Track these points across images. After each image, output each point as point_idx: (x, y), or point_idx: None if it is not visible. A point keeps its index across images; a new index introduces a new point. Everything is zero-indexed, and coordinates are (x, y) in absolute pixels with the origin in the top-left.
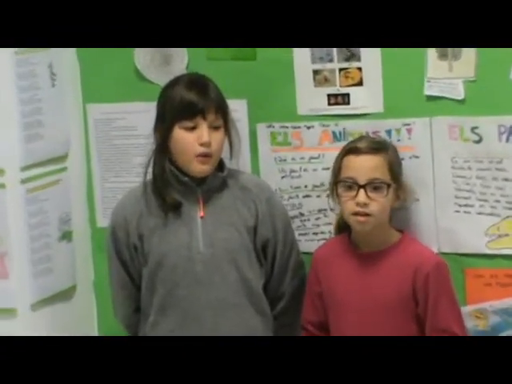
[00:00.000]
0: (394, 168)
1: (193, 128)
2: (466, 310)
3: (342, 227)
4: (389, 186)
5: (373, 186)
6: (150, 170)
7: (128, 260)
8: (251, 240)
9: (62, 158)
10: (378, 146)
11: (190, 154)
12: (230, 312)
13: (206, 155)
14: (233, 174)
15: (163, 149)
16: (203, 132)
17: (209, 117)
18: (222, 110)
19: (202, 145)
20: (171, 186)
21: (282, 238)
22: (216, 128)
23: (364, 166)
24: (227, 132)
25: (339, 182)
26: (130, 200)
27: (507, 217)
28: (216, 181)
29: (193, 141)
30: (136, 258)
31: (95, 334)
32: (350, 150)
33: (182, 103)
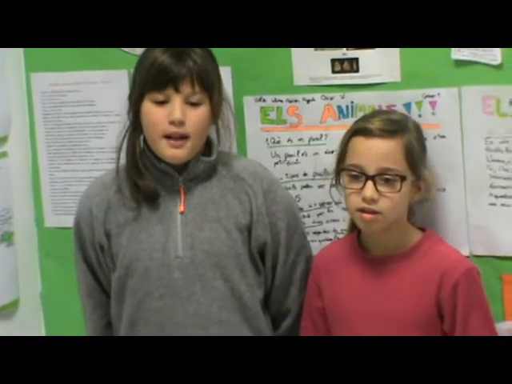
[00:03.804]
0: (414, 155)
1: (163, 102)
2: (503, 326)
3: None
4: (404, 178)
5: (384, 177)
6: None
7: (94, 263)
8: (244, 242)
9: (1, 141)
10: (395, 128)
11: (158, 133)
12: (215, 330)
13: (178, 137)
14: (224, 160)
15: (134, 127)
16: (175, 107)
17: (184, 89)
18: (204, 81)
19: (171, 123)
20: (148, 172)
21: (286, 242)
22: (194, 104)
23: (374, 153)
24: (215, 111)
25: (343, 169)
26: (96, 188)
27: None
28: (201, 167)
29: (162, 117)
30: (103, 260)
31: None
32: (359, 130)
33: (152, 70)
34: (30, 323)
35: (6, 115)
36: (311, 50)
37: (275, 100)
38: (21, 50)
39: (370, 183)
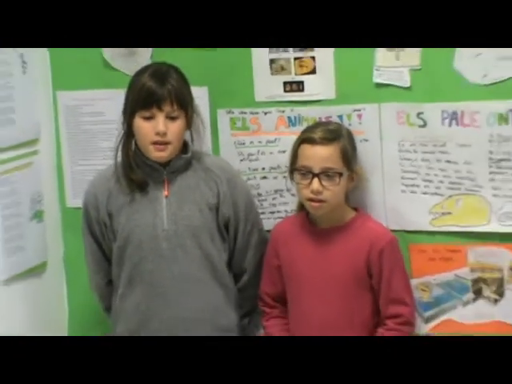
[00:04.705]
0: (348, 155)
1: (150, 117)
2: (411, 282)
3: (303, 206)
4: (341, 174)
5: (326, 174)
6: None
7: (99, 236)
8: (213, 218)
9: (34, 142)
10: (332, 136)
11: (147, 141)
12: (194, 285)
13: (162, 143)
14: (197, 156)
15: (128, 134)
16: (158, 122)
17: (165, 107)
18: (181, 101)
19: (157, 134)
20: (138, 167)
21: (244, 217)
22: (173, 118)
23: (318, 156)
24: (188, 120)
25: (295, 170)
26: (100, 180)
27: (450, 196)
28: (180, 162)
29: (149, 130)
30: (106, 234)
31: (65, 307)
32: (305, 139)
33: (140, 93)
34: (54, 280)
35: (36, 123)
36: (268, 74)
37: (241, 112)
38: (49, 72)
39: (316, 179)
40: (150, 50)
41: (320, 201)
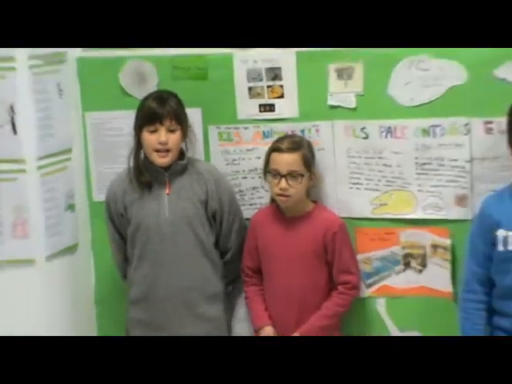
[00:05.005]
0: (308, 161)
1: (154, 131)
2: (357, 257)
3: (274, 199)
4: (303, 175)
5: (291, 175)
6: (132, 159)
7: (117, 223)
8: (203, 210)
9: (68, 151)
10: (296, 146)
11: (152, 149)
12: (188, 261)
13: (163, 150)
14: (191, 162)
15: (137, 145)
16: (160, 134)
17: (166, 123)
18: (179, 118)
19: (160, 143)
20: (146, 171)
21: (227, 209)
22: (172, 131)
23: (285, 162)
24: (184, 133)
25: (268, 172)
26: (117, 181)
27: (386, 191)
28: (178, 167)
29: (154, 140)
30: (122, 222)
31: (92, 278)
32: (275, 148)
33: (146, 113)
34: (84, 257)
35: (69, 136)
36: (247, 98)
37: (226, 128)
38: (79, 97)
39: (283, 179)
40: (156, 80)
41: (286, 196)
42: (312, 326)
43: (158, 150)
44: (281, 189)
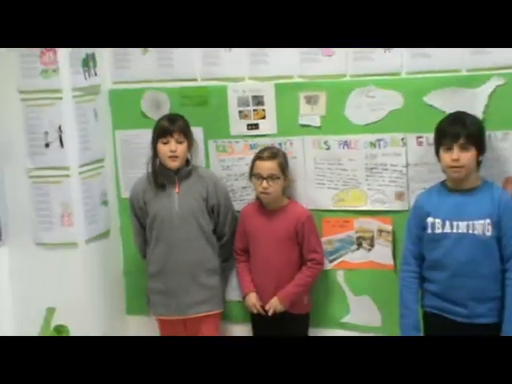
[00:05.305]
0: (283, 167)
1: (166, 142)
2: (322, 240)
3: (258, 197)
4: (279, 178)
5: (271, 177)
6: (150, 166)
7: (139, 216)
8: (205, 205)
9: (101, 161)
10: (274, 155)
11: (165, 156)
12: (193, 244)
13: (173, 157)
14: (195, 168)
15: (154, 155)
16: (171, 145)
17: (175, 136)
18: (185, 133)
19: (171, 151)
20: (161, 175)
21: (223, 204)
22: (180, 142)
23: (266, 167)
24: (189, 145)
25: (253, 175)
26: (139, 183)
27: (343, 190)
28: (185, 171)
29: (167, 150)
30: (143, 214)
31: (121, 257)
32: (258, 157)
33: (161, 129)
34: (115, 240)
35: (103, 149)
36: (238, 119)
37: (222, 142)
38: (110, 119)
39: (264, 181)
40: (168, 106)
41: (267, 193)
42: (287, 291)
43: (169, 157)
44: (263, 188)
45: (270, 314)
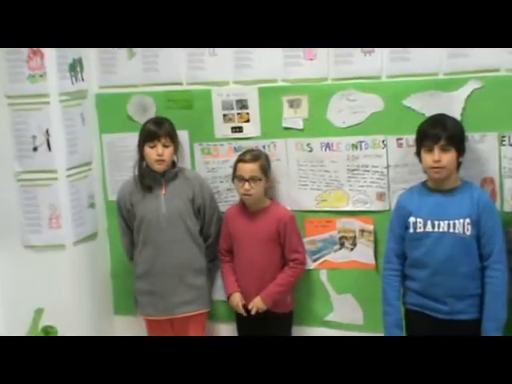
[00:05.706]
0: (265, 169)
1: (153, 146)
2: (305, 240)
3: (241, 198)
4: (261, 179)
5: (253, 179)
6: (137, 169)
7: (126, 218)
8: (191, 206)
9: (88, 164)
10: (255, 158)
11: (152, 160)
12: (180, 245)
13: (160, 160)
14: (181, 170)
15: (141, 158)
16: (158, 149)
17: (162, 140)
18: (171, 137)
19: (158, 155)
20: (147, 177)
21: (209, 205)
22: (167, 146)
23: (248, 169)
24: (175, 148)
25: (235, 177)
26: (126, 185)
27: (326, 190)
28: (171, 173)
29: (153, 153)
30: (130, 216)
31: (108, 259)
32: (241, 159)
33: (147, 133)
34: (102, 242)
35: (90, 152)
36: (222, 122)
37: (207, 145)
38: (97, 123)
39: (247, 183)
40: (154, 109)
41: (249, 195)
42: (269, 291)
43: (156, 160)
44: (245, 190)
45: (252, 313)
